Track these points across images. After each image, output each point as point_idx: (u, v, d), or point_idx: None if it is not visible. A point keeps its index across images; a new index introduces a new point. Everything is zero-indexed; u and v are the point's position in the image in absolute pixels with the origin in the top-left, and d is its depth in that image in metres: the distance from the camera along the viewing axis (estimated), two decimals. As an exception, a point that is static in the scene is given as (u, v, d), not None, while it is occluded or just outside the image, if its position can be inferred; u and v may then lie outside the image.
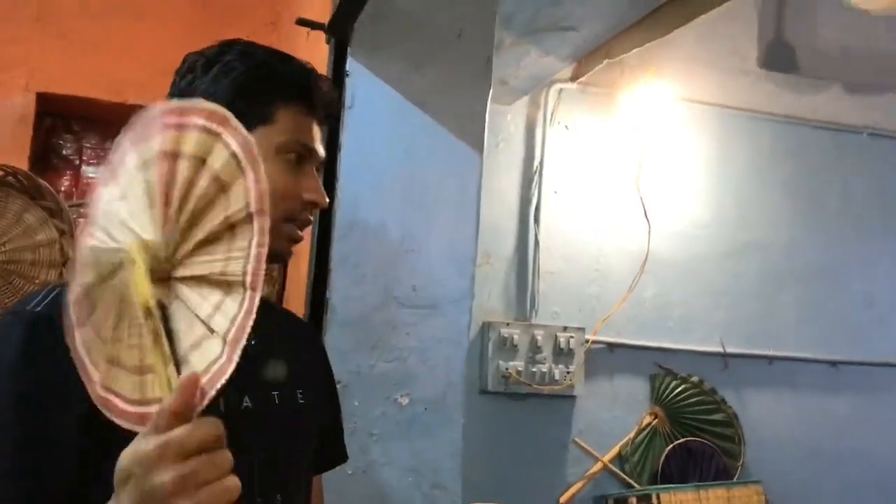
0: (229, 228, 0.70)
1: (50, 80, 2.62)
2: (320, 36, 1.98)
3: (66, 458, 0.84)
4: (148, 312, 0.67)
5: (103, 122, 2.82)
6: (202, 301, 0.69)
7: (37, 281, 2.42)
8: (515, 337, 2.78)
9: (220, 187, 0.70)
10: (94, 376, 0.70)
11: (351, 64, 1.65)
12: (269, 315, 1.11)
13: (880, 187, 3.27)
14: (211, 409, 0.84)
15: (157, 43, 2.71)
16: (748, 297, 3.09)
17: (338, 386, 1.67)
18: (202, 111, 0.71)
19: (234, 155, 0.70)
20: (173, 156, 0.70)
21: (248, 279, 0.69)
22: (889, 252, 3.25)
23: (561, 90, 2.94)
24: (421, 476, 1.61)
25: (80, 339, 0.71)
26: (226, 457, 0.67)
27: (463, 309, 1.68)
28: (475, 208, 1.72)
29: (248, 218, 0.70)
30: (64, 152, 2.78)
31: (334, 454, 1.24)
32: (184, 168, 0.70)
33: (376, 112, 1.67)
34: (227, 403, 0.97)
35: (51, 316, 0.83)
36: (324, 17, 1.99)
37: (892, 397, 3.18)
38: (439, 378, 1.65)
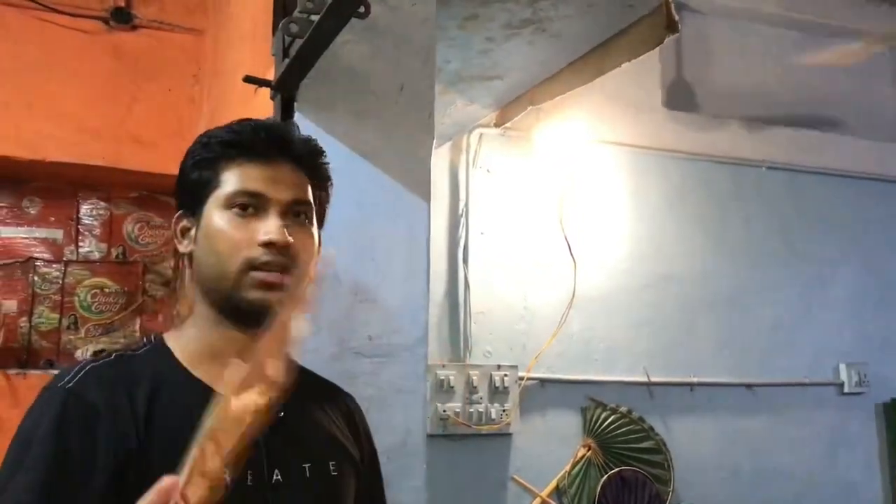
0: None
1: (-39, 138, 2.53)
2: (246, 87, 1.99)
3: None
4: None
5: (18, 180, 2.72)
6: None
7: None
8: (452, 378, 2.81)
9: None
10: None
11: (299, 119, 1.66)
12: (304, 383, 1.12)
13: (779, 217, 3.49)
14: (238, 485, 0.86)
15: (75, 98, 2.67)
16: (668, 327, 3.23)
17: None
18: None
19: None
20: None
21: None
22: (790, 278, 3.46)
23: (481, 134, 3.03)
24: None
25: None
26: None
27: (419, 356, 1.71)
28: (425, 255, 1.76)
29: None
30: (-24, 214, 2.67)
31: None
32: None
33: (325, 166, 1.69)
34: (256, 477, 0.97)
35: (80, 392, 0.93)
36: (250, 67, 2.01)
37: (803, 415, 3.37)
38: (399, 426, 1.67)
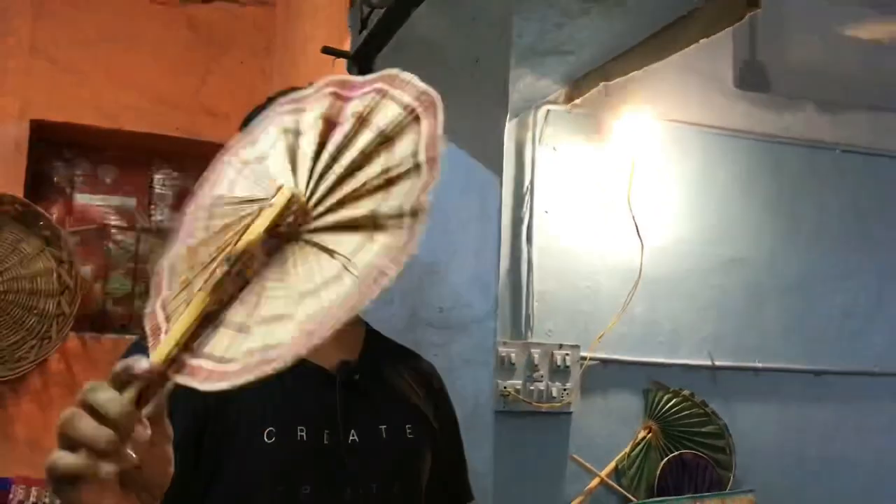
0: (387, 182, 0.67)
1: (43, 107, 2.60)
2: (319, 59, 2.01)
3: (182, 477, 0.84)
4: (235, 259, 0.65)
5: (95, 148, 2.79)
6: (339, 242, 0.67)
7: (35, 311, 2.39)
8: (513, 355, 2.81)
9: (384, 141, 0.68)
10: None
11: (374, 91, 1.67)
12: (381, 349, 1.13)
13: (854, 202, 3.39)
14: (314, 444, 0.86)
15: (151, 70, 2.71)
16: (734, 311, 3.17)
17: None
18: (369, 79, 0.70)
19: (406, 107, 0.67)
20: (329, 119, 0.69)
21: (410, 207, 0.65)
22: (864, 265, 3.37)
23: (548, 111, 3.00)
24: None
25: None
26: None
27: (488, 329, 1.71)
28: (496, 230, 1.76)
29: (416, 168, 0.67)
30: (55, 179, 2.75)
31: (454, 491, 1.22)
32: (343, 129, 0.68)
33: (399, 137, 1.70)
34: (333, 437, 0.97)
35: None
36: (324, 38, 2.02)
37: (872, 405, 3.29)
38: (468, 397, 1.67)
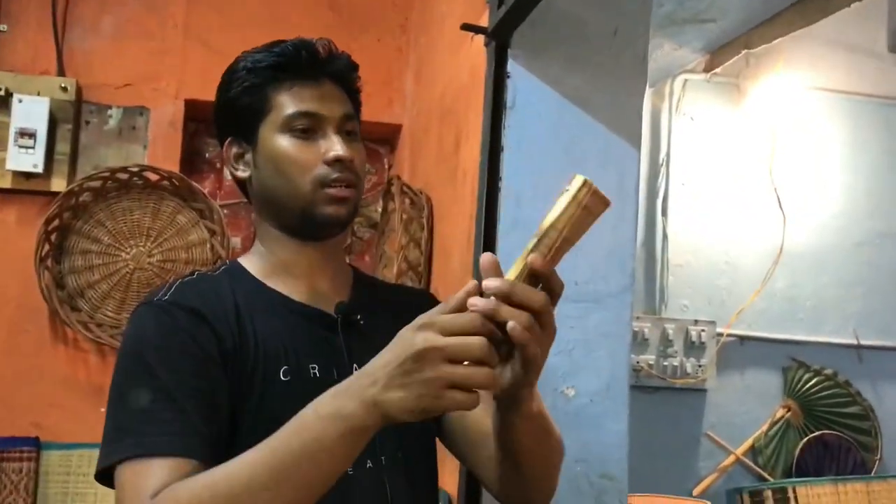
0: None
1: (196, 88, 2.75)
2: (455, 36, 2.04)
3: (218, 406, 0.97)
4: None
5: (243, 126, 2.94)
6: None
7: (191, 279, 2.56)
8: (646, 330, 2.79)
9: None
10: None
11: (511, 66, 1.69)
12: (380, 292, 1.22)
13: None
14: (325, 381, 0.95)
15: (294, 49, 2.78)
16: (883, 288, 3.02)
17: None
18: None
19: None
20: None
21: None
22: None
23: (686, 81, 2.93)
24: (589, 466, 1.65)
25: None
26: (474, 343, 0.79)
27: (625, 303, 1.71)
28: (634, 204, 1.75)
29: None
30: (207, 156, 2.92)
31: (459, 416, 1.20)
32: None
33: (536, 112, 1.71)
34: (341, 373, 1.03)
35: (180, 301, 1.00)
36: (461, 15, 2.05)
37: None
38: (604, 370, 1.68)
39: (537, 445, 1.02)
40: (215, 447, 0.94)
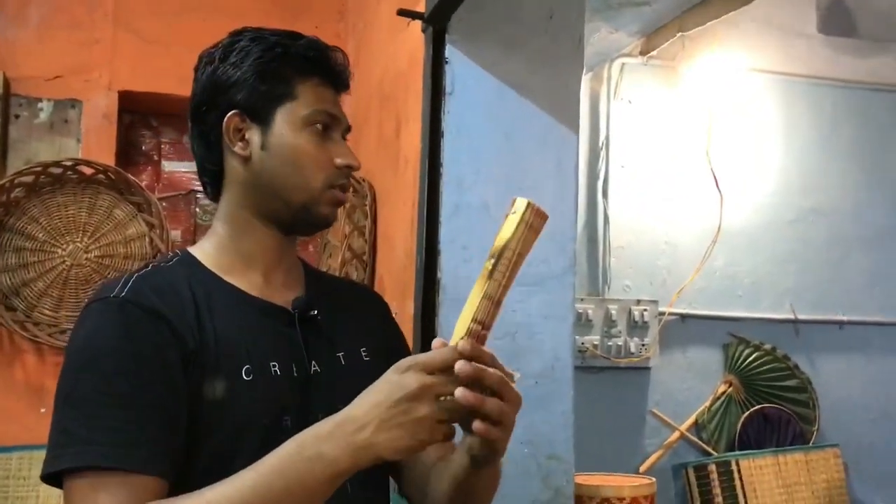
0: None
1: (129, 78, 2.69)
2: (393, 21, 2.03)
3: (176, 417, 0.95)
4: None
5: (179, 117, 2.88)
6: None
7: (130, 274, 2.51)
8: (590, 312, 2.83)
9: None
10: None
11: (449, 51, 1.69)
12: (328, 285, 1.22)
13: (945, 148, 3.26)
14: (285, 377, 1.01)
15: (230, 37, 2.75)
16: (816, 263, 3.11)
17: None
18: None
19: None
20: None
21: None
22: (956, 213, 3.25)
23: (623, 64, 2.96)
24: (535, 447, 1.67)
25: None
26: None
27: (566, 284, 1.73)
28: (573, 186, 1.77)
29: None
30: (144, 148, 2.86)
31: None
32: None
33: (475, 97, 1.71)
34: (300, 370, 1.05)
35: (137, 300, 0.98)
36: (395, 2, 2.04)
37: (964, 357, 3.19)
38: (547, 352, 1.70)
39: (490, 487, 1.08)
40: (173, 459, 0.93)
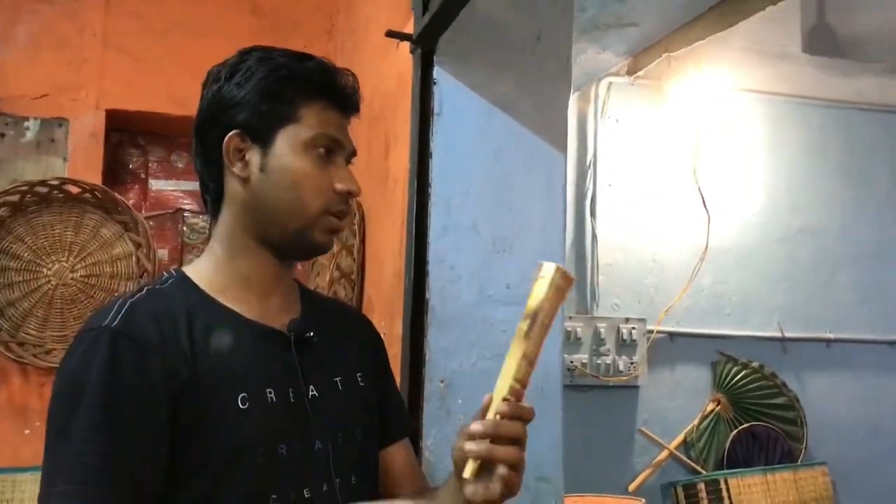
0: None
1: (117, 97, 2.69)
2: (381, 42, 2.03)
3: (156, 456, 0.94)
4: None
5: (167, 135, 2.88)
6: None
7: (116, 293, 2.49)
8: (579, 330, 2.83)
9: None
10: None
11: (438, 73, 1.69)
12: (324, 307, 1.21)
13: (929, 167, 3.29)
14: (283, 402, 1.00)
15: (219, 57, 2.76)
16: (804, 282, 3.13)
17: (440, 384, 1.72)
18: None
19: None
20: None
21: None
22: (941, 231, 3.27)
23: (610, 84, 2.98)
24: (525, 470, 1.66)
25: None
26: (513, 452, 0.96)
27: (555, 305, 1.73)
28: (562, 206, 1.77)
29: None
30: (131, 166, 2.85)
31: (395, 428, 1.22)
32: None
33: (463, 118, 1.71)
34: (297, 395, 1.04)
35: (128, 330, 0.96)
36: (386, 21, 2.05)
37: (950, 375, 3.21)
38: (536, 372, 1.69)
39: None
40: (152, 492, 0.93)
